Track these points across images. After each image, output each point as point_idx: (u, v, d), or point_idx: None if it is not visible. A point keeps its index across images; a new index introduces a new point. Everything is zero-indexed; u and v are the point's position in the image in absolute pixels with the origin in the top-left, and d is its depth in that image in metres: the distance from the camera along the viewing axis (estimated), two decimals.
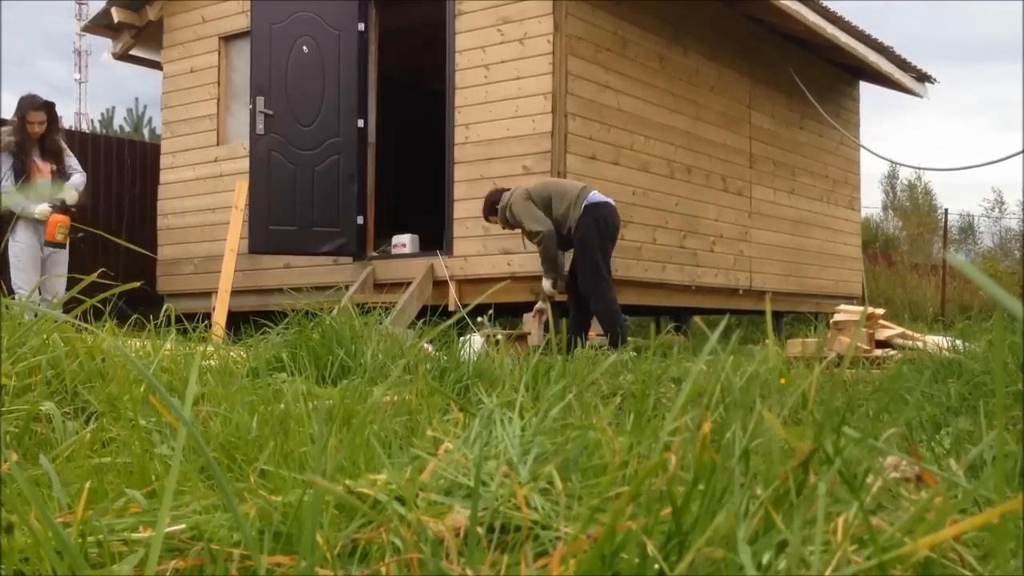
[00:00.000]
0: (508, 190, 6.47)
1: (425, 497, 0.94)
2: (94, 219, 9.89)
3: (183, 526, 0.94)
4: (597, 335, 6.26)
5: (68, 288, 2.36)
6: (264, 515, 0.94)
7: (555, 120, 7.22)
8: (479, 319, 6.27)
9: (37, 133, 7.21)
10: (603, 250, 6.18)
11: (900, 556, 0.75)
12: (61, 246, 7.23)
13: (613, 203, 6.37)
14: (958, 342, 3.19)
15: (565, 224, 6.20)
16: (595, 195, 6.25)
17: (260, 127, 7.93)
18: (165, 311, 2.83)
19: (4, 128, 7.30)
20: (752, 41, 9.66)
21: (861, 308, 5.40)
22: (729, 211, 9.28)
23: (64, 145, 7.56)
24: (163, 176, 9.61)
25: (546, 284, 6.40)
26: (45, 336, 2.06)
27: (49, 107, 7.34)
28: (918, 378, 2.75)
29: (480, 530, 0.87)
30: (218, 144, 9.18)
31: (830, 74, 11.09)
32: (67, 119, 22.94)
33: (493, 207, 6.48)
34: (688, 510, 0.81)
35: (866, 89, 11.97)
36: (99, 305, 2.17)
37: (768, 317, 1.19)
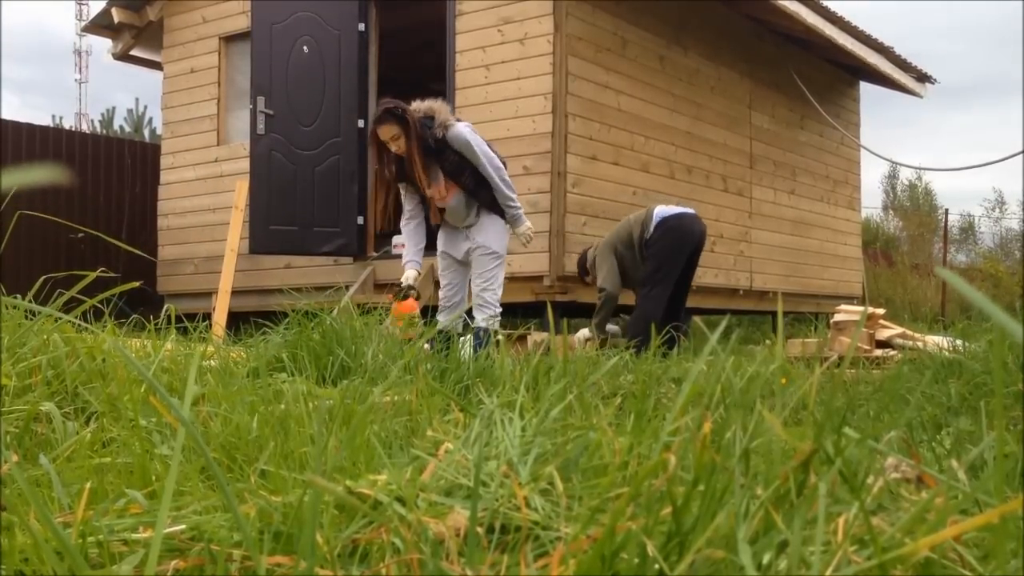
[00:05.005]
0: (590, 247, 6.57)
1: (425, 497, 0.94)
2: (94, 219, 9.89)
3: (183, 526, 0.94)
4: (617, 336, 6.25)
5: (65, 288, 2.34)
6: (264, 515, 0.94)
7: (555, 120, 7.22)
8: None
9: None
10: (668, 265, 6.15)
11: (900, 556, 0.75)
12: None
13: (685, 211, 6.33)
14: (958, 342, 3.19)
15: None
16: (662, 209, 6.27)
17: (260, 127, 7.93)
18: (165, 311, 2.83)
19: None
20: (752, 41, 9.65)
21: (861, 308, 5.40)
22: (729, 211, 9.27)
23: None
24: (163, 176, 9.61)
25: (583, 331, 6.31)
26: (45, 336, 2.06)
27: None
28: (918, 378, 2.75)
29: (480, 530, 0.87)
30: (218, 144, 9.18)
31: (830, 74, 11.08)
32: (67, 119, 22.95)
33: (584, 268, 6.59)
34: (688, 510, 0.81)
35: (865, 96, 11.96)
36: (99, 305, 2.16)
37: (780, 316, 1.18)
